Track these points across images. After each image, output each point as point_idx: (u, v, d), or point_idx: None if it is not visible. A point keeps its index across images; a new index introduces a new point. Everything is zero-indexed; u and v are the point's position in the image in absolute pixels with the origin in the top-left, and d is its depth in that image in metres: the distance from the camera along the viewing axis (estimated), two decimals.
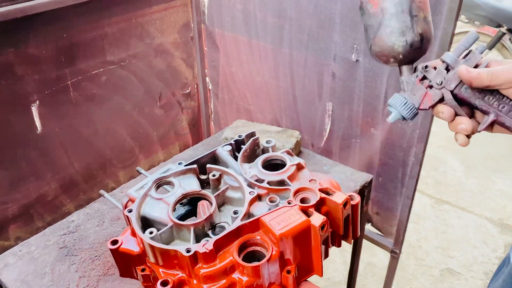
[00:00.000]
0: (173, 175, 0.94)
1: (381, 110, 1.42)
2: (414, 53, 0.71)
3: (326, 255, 0.87)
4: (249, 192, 0.87)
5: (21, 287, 0.98)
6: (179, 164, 0.97)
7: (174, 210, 0.87)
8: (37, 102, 1.38)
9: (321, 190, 0.86)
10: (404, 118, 0.73)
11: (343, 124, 1.55)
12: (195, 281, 0.76)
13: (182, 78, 1.88)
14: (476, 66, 0.68)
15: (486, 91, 0.67)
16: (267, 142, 1.05)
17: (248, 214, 0.84)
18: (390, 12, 0.68)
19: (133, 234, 0.83)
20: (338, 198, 0.83)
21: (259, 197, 0.88)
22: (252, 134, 1.05)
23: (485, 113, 0.68)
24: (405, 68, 0.73)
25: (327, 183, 0.90)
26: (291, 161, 0.95)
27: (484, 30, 3.57)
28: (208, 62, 1.92)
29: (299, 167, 0.95)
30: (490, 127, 0.70)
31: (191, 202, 0.94)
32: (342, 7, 1.34)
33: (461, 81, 0.69)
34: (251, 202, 0.85)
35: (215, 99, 2.01)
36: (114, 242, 0.82)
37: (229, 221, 0.86)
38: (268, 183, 0.91)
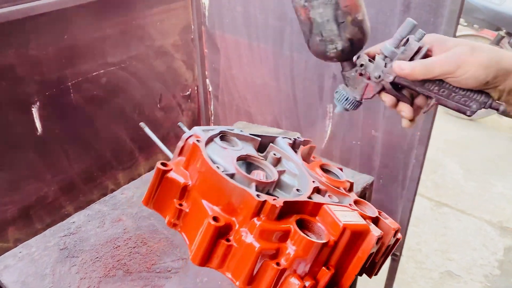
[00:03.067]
0: (237, 136, 0.88)
1: (382, 112, 1.42)
2: (348, 54, 0.72)
3: (362, 270, 0.85)
4: (312, 181, 0.82)
5: None
6: (241, 131, 0.91)
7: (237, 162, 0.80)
8: (38, 103, 1.38)
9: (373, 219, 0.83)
10: (347, 110, 0.78)
11: (344, 127, 1.55)
12: (243, 233, 0.70)
13: (182, 80, 1.88)
14: (415, 54, 0.69)
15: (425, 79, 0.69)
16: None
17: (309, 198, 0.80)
18: (317, 22, 0.69)
19: (186, 166, 0.77)
20: (392, 224, 0.81)
21: (319, 191, 0.84)
22: (309, 141, 1.01)
23: (427, 97, 0.71)
24: (345, 63, 0.75)
25: (370, 210, 0.88)
26: (344, 177, 0.92)
27: (483, 33, 3.58)
28: (209, 64, 1.92)
29: (351, 188, 0.92)
30: (433, 108, 0.73)
31: (246, 166, 0.88)
32: None
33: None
34: (313, 190, 0.80)
35: (215, 101, 2.01)
36: (164, 164, 0.75)
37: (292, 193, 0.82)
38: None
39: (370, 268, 0.87)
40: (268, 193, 0.78)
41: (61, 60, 1.40)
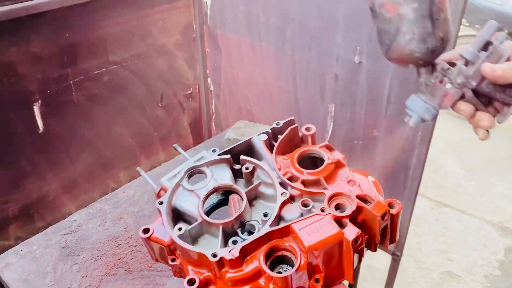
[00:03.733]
0: (206, 165, 0.89)
1: (384, 112, 1.42)
2: (435, 57, 0.68)
3: (360, 260, 0.83)
4: (281, 193, 0.81)
5: (22, 286, 0.97)
6: (213, 151, 0.92)
7: (204, 203, 0.83)
8: (39, 101, 1.38)
9: (359, 197, 0.79)
10: (424, 121, 0.72)
11: (345, 126, 1.55)
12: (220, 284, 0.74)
13: (183, 79, 1.88)
14: (498, 60, 0.66)
15: (508, 85, 0.65)
16: (307, 129, 0.94)
17: (279, 217, 0.79)
18: (409, 18, 0.64)
19: (163, 223, 0.82)
20: (377, 208, 0.76)
21: (292, 198, 0.82)
22: (291, 122, 0.95)
23: (507, 104, 0.67)
24: (423, 70, 0.70)
25: (368, 186, 0.83)
26: (329, 158, 0.87)
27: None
28: (210, 63, 1.92)
29: (338, 165, 0.87)
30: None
31: (223, 192, 0.90)
32: (346, 9, 1.34)
33: (482, 78, 0.66)
34: (283, 204, 0.80)
35: (216, 100, 2.01)
36: (146, 230, 0.80)
37: (260, 219, 0.81)
38: (303, 182, 0.84)
39: (381, 243, 0.85)
40: (242, 223, 0.80)
41: (62, 58, 1.39)
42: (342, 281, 0.80)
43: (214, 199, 0.91)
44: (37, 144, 1.42)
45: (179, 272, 0.82)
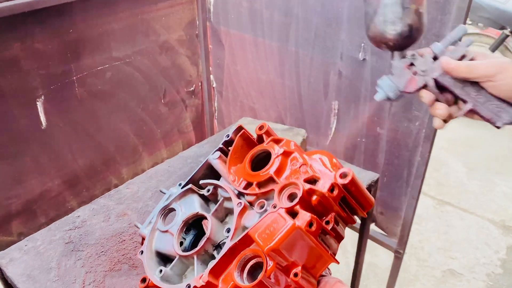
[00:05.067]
0: (174, 201, 0.91)
1: (388, 109, 1.41)
2: (404, 41, 0.76)
3: (341, 238, 0.81)
4: (237, 204, 0.81)
5: (27, 281, 0.97)
6: (179, 185, 0.94)
7: (181, 239, 0.86)
8: (42, 97, 1.38)
9: (306, 180, 0.78)
10: (389, 98, 0.80)
11: (348, 123, 1.55)
12: None
13: (186, 75, 1.88)
14: (461, 58, 0.73)
15: (466, 82, 0.72)
16: (260, 128, 0.91)
17: (242, 228, 0.79)
18: (384, 2, 0.74)
19: None
20: (323, 186, 0.76)
21: (250, 204, 0.82)
22: (239, 129, 0.93)
23: (464, 101, 0.73)
24: (396, 53, 0.79)
25: (317, 164, 0.83)
26: (277, 151, 0.85)
27: (487, 32, 3.56)
28: (213, 60, 1.92)
29: (286, 154, 0.85)
30: (470, 114, 0.75)
31: (197, 224, 0.91)
32: (350, 5, 1.34)
33: (443, 71, 0.74)
34: (240, 214, 0.80)
35: (219, 97, 2.01)
36: (143, 280, 0.82)
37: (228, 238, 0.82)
38: (258, 184, 0.83)
39: (354, 214, 0.83)
40: (215, 245, 0.82)
41: (66, 54, 1.39)
42: (329, 265, 0.79)
43: (192, 235, 0.91)
44: (40, 140, 1.42)
45: None
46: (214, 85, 1.99)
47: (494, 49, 3.42)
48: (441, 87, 0.75)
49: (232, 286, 0.72)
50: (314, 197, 0.75)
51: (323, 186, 0.75)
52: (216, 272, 0.74)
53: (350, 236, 2.42)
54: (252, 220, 0.78)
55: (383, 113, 1.43)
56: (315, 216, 0.73)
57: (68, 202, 1.59)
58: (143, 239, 0.89)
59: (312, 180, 0.79)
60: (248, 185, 0.84)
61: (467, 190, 2.95)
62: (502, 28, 3.40)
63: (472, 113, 0.74)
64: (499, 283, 2.28)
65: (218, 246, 0.81)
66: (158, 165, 1.43)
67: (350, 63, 1.42)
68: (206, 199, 0.92)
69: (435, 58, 0.76)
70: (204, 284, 0.72)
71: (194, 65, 1.89)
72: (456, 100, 0.76)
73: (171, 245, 0.83)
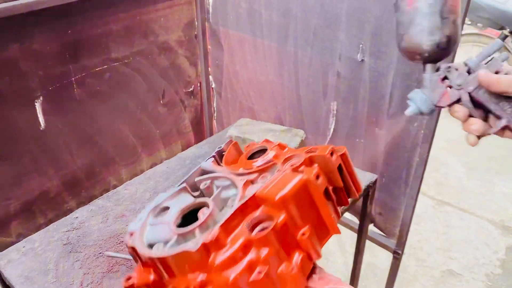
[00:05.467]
0: (166, 201, 0.90)
1: (386, 110, 1.41)
2: (440, 53, 0.74)
3: (338, 215, 0.86)
4: (240, 180, 0.85)
5: (24, 283, 0.97)
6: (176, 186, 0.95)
7: (175, 224, 0.84)
8: (41, 98, 1.38)
9: (306, 152, 0.86)
10: (421, 113, 0.77)
11: (347, 124, 1.55)
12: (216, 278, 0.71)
13: (185, 76, 1.88)
14: (496, 73, 0.72)
15: (502, 97, 0.70)
16: (248, 146, 1.01)
17: (245, 197, 0.82)
18: (423, 12, 0.72)
19: (145, 265, 0.79)
20: (323, 150, 0.83)
21: (251, 182, 0.87)
22: (230, 142, 1.03)
23: (498, 117, 0.72)
24: (429, 66, 0.77)
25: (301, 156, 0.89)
26: (272, 144, 0.95)
27: (487, 32, 3.57)
28: (212, 61, 1.92)
29: (281, 147, 0.94)
30: (502, 131, 0.74)
31: (190, 221, 0.90)
32: (349, 6, 1.34)
33: (479, 85, 0.72)
34: (245, 186, 0.84)
35: (218, 98, 2.01)
36: (128, 278, 0.78)
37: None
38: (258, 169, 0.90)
39: (348, 192, 0.89)
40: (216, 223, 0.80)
41: (64, 55, 1.39)
42: (330, 237, 0.81)
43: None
44: (38, 141, 1.42)
45: None
46: (213, 86, 1.99)
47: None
48: (474, 102, 0.73)
49: (243, 241, 0.71)
50: (316, 166, 0.80)
51: (322, 150, 0.83)
52: (226, 229, 0.72)
53: (349, 236, 2.42)
54: (255, 189, 0.81)
55: (382, 114, 1.43)
56: (320, 170, 0.79)
57: (67, 203, 1.59)
58: (131, 235, 0.86)
59: (310, 151, 0.86)
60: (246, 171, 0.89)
61: (467, 190, 2.95)
62: (502, 28, 3.41)
63: (505, 129, 0.72)
64: (498, 284, 2.28)
65: None
66: (157, 166, 1.43)
67: (349, 64, 1.42)
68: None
69: (469, 72, 0.74)
70: (213, 238, 0.70)
71: (193, 66, 1.89)
72: (486, 117, 0.75)
73: (166, 232, 0.81)
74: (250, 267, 0.70)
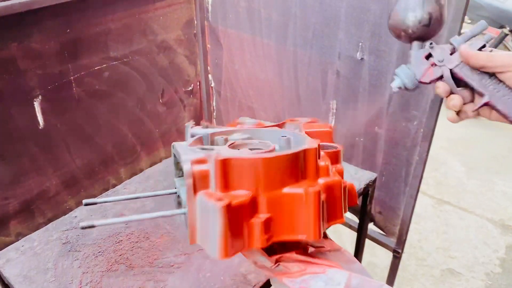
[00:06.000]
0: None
1: (386, 108, 1.41)
2: (422, 30, 0.77)
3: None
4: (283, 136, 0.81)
5: (23, 282, 0.97)
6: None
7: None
8: (40, 97, 1.37)
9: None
10: (405, 86, 0.80)
11: (347, 123, 1.54)
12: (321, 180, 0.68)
13: (184, 75, 1.87)
14: (480, 50, 0.73)
15: (484, 74, 0.72)
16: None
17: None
18: None
19: (226, 176, 0.62)
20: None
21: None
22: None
23: (480, 94, 0.73)
24: (415, 43, 0.79)
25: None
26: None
27: (486, 30, 3.56)
28: (211, 60, 1.91)
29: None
30: (488, 112, 0.74)
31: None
32: (348, 4, 1.33)
33: (461, 62, 0.74)
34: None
35: (217, 97, 2.00)
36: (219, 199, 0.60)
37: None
38: None
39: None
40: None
41: (63, 54, 1.39)
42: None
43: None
44: (37, 140, 1.42)
45: (269, 235, 0.64)
46: (213, 85, 1.98)
47: (493, 48, 3.41)
48: (457, 80, 0.75)
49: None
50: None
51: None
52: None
53: (349, 235, 2.42)
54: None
55: (382, 112, 1.43)
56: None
57: (66, 202, 1.59)
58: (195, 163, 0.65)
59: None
60: None
61: (466, 190, 2.95)
62: (501, 27, 3.40)
63: (488, 108, 0.72)
64: (498, 282, 2.28)
65: None
66: (155, 165, 1.43)
67: (348, 63, 1.42)
68: None
69: (453, 51, 0.76)
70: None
71: (192, 65, 1.88)
72: (473, 97, 0.76)
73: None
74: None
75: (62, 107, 1.45)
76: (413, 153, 1.41)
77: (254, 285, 0.96)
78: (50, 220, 1.21)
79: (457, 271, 2.35)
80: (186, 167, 0.62)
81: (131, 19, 1.55)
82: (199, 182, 0.63)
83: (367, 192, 1.35)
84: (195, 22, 1.80)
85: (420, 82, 0.79)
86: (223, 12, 1.74)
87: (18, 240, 1.10)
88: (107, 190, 1.32)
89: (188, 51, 1.84)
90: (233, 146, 0.77)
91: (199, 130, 0.83)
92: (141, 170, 1.61)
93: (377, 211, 1.64)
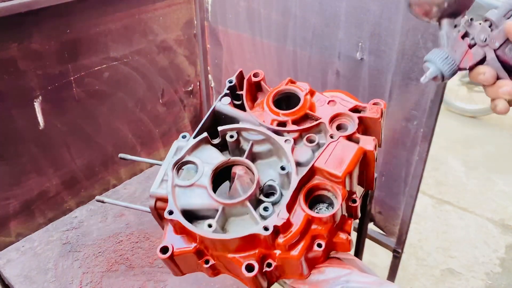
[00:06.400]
0: (187, 153, 0.81)
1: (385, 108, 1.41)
2: (454, 4, 0.65)
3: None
4: (285, 141, 0.77)
5: (24, 282, 0.97)
6: (182, 137, 0.84)
7: (212, 189, 0.77)
8: (40, 97, 1.37)
9: (351, 110, 0.80)
10: (442, 75, 0.66)
11: None
12: (277, 252, 0.70)
13: (184, 75, 1.88)
14: None
15: None
16: (255, 75, 0.91)
17: (296, 164, 0.76)
18: None
19: (180, 231, 0.74)
20: (373, 112, 0.78)
21: (294, 142, 0.80)
22: (240, 74, 0.91)
23: None
24: (446, 21, 0.66)
25: (343, 100, 0.83)
26: (303, 91, 0.86)
27: None
28: (211, 60, 1.91)
29: (311, 93, 0.87)
30: None
31: (224, 173, 0.83)
32: (348, 4, 1.33)
33: (506, 40, 0.62)
34: (292, 150, 0.77)
35: (217, 97, 2.00)
36: (165, 250, 0.72)
37: (273, 177, 0.78)
38: (293, 122, 0.81)
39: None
40: (260, 188, 0.77)
41: (63, 54, 1.39)
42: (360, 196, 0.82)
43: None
44: (37, 140, 1.42)
45: (215, 271, 0.77)
46: (212, 85, 1.99)
47: None
48: (501, 62, 0.63)
49: (305, 220, 0.70)
50: (374, 139, 0.77)
51: (373, 113, 0.79)
52: (289, 208, 0.71)
53: None
54: (305, 155, 0.77)
55: None
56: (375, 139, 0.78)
57: (66, 203, 1.59)
58: (158, 200, 0.78)
59: (356, 110, 0.81)
60: (281, 124, 0.82)
61: (466, 189, 2.94)
62: None
63: None
64: (498, 282, 2.28)
65: (261, 190, 0.77)
66: (155, 165, 1.43)
67: (348, 63, 1.42)
68: (220, 149, 0.84)
69: (491, 25, 0.64)
70: (284, 220, 0.68)
71: (192, 65, 1.89)
72: None
73: (205, 198, 0.74)
74: (311, 243, 0.71)
75: (62, 107, 1.45)
76: (413, 153, 1.41)
77: None
78: (50, 220, 1.22)
79: (457, 270, 2.35)
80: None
81: (131, 19, 1.56)
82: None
83: (367, 192, 1.35)
84: (195, 22, 1.80)
85: (459, 68, 0.65)
86: (222, 12, 1.74)
87: (18, 241, 1.10)
88: (107, 190, 1.33)
89: (188, 51, 1.84)
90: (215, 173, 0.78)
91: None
92: (141, 170, 1.61)
93: (377, 211, 1.64)
